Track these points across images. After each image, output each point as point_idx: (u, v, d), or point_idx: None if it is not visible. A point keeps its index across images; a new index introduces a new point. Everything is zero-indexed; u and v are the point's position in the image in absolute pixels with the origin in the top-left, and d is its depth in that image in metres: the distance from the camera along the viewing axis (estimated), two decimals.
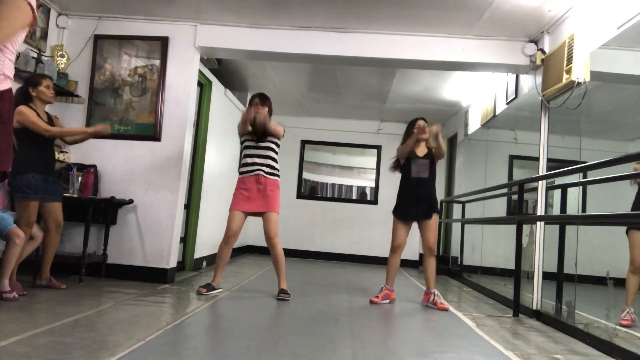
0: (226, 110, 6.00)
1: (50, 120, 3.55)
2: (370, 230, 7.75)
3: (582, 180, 3.62)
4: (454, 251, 6.51)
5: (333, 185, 8.16)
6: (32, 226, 3.40)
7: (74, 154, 4.35)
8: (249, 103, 3.98)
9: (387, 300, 3.98)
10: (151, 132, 4.35)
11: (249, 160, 3.89)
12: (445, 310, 3.81)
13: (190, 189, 5.12)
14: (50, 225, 3.56)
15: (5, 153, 2.05)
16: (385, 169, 8.10)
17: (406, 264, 7.45)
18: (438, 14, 3.96)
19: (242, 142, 4.03)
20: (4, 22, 1.64)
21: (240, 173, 3.94)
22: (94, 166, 4.26)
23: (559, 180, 3.84)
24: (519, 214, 3.89)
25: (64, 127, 3.78)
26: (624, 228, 3.48)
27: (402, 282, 5.64)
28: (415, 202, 3.97)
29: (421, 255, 4.26)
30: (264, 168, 3.86)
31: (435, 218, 3.99)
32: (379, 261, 7.43)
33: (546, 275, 3.81)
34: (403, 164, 4.09)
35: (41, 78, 3.47)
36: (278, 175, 3.97)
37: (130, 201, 4.28)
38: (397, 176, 4.20)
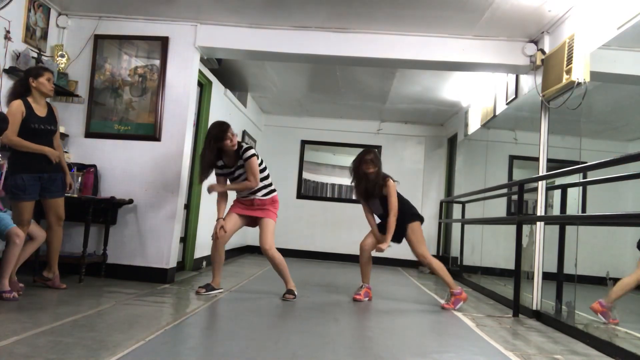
0: (226, 110, 5.99)
1: (51, 112, 3.50)
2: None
3: (582, 180, 3.62)
4: (454, 251, 6.51)
5: (333, 185, 8.15)
6: (26, 225, 3.35)
7: (74, 154, 4.35)
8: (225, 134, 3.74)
9: (367, 298, 4.05)
10: (151, 132, 4.35)
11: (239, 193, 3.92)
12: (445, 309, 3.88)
13: (190, 189, 5.12)
14: (51, 220, 3.53)
15: None
16: (385, 169, 8.13)
17: (406, 264, 7.46)
18: (438, 14, 3.96)
19: (221, 174, 3.93)
20: None
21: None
22: (94, 166, 4.26)
23: (559, 181, 3.84)
24: (519, 214, 3.89)
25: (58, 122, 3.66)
26: (624, 229, 3.48)
27: (402, 282, 5.65)
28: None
29: None
30: (257, 194, 3.85)
31: (411, 229, 3.96)
32: (378, 261, 7.41)
33: (546, 276, 3.81)
34: None
35: (43, 70, 3.44)
36: (274, 190, 3.92)
37: (130, 201, 4.28)
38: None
